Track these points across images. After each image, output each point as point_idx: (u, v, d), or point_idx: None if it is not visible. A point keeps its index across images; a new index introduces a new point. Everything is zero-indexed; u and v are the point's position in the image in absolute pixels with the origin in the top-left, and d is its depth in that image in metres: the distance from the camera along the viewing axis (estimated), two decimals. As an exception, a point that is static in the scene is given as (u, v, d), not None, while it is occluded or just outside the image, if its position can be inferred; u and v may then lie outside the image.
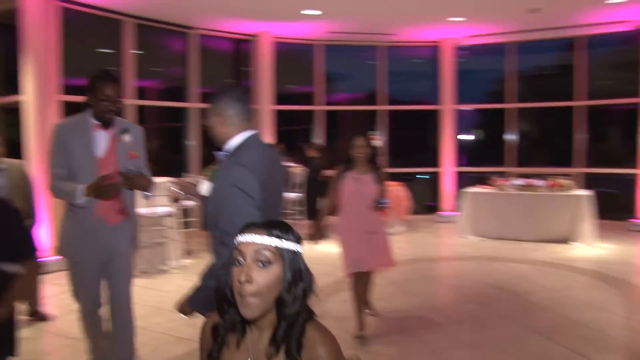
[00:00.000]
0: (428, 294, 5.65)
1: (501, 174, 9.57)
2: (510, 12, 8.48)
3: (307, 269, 1.52)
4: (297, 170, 8.77)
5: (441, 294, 5.86)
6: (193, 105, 9.03)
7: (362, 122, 11.45)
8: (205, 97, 9.09)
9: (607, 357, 3.87)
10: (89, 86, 3.07)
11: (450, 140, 10.50)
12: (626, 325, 4.52)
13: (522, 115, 10.50)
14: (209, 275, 2.21)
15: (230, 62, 10.22)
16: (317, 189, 8.42)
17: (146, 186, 3.13)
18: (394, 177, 9.01)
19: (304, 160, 8.98)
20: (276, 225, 1.51)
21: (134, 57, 8.02)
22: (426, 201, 10.91)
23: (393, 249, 4.47)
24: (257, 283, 1.43)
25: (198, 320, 4.67)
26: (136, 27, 8.05)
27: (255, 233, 1.48)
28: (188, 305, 2.32)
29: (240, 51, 10.03)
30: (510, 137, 10.40)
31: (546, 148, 11.01)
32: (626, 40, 9.83)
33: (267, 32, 9.41)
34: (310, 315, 1.51)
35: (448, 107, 10.47)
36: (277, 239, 1.47)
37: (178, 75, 9.29)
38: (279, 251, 1.47)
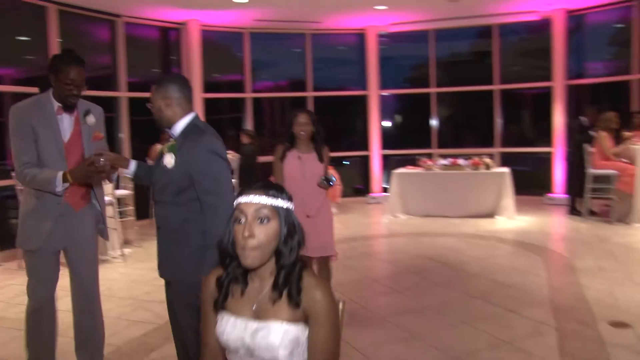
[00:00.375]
0: (368, 268, 5.94)
1: (428, 155, 10.04)
2: (431, 1, 8.90)
3: (299, 224, 1.70)
4: (230, 156, 8.83)
5: (380, 267, 6.17)
6: (122, 94, 8.84)
7: (287, 109, 11.70)
8: (134, 87, 8.97)
9: (534, 311, 4.28)
10: (51, 67, 2.92)
11: (376, 124, 10.86)
12: (548, 284, 4.99)
13: (441, 99, 11.02)
14: (211, 237, 2.27)
15: (158, 50, 10.08)
16: (250, 175, 8.57)
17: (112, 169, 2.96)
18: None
19: (237, 147, 9.06)
20: (271, 186, 1.68)
21: (58, 45, 7.76)
22: (355, 184, 11.26)
23: (334, 235, 4.32)
24: (258, 238, 1.61)
25: (149, 303, 4.71)
26: (59, 14, 7.79)
27: (254, 194, 1.64)
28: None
29: (167, 40, 9.92)
30: (434, 120, 10.89)
31: (466, 130, 11.64)
32: (534, 29, 10.56)
33: (195, 20, 9.35)
34: (304, 264, 1.69)
35: (374, 93, 10.82)
36: (273, 198, 1.65)
37: (103, 65, 9.07)
38: (276, 209, 1.65)
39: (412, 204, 8.73)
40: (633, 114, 8.37)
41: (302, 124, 4.05)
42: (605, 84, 10.15)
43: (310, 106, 10.74)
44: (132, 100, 8.94)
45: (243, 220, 1.63)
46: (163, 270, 2.64)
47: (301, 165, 4.05)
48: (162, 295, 4.95)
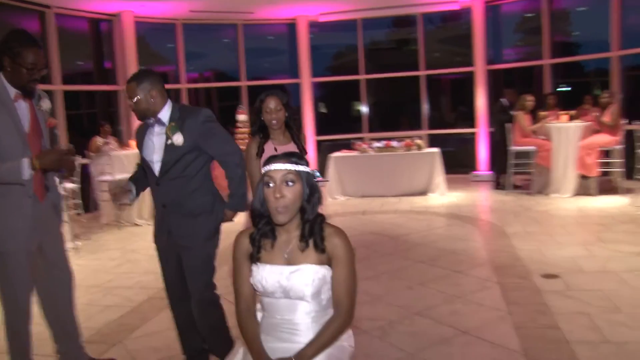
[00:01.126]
0: (319, 245, 6.29)
1: (359, 140, 10.51)
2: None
3: (317, 184, 2.02)
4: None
5: (331, 244, 6.52)
6: (57, 87, 8.67)
7: (213, 100, 11.92)
8: (65, 80, 8.83)
9: (477, 270, 4.81)
10: (5, 50, 2.70)
11: (310, 111, 11.22)
12: (485, 248, 5.57)
13: (369, 85, 11.52)
14: (239, 185, 2.95)
15: (89, 43, 9.92)
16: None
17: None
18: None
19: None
20: (293, 155, 1.99)
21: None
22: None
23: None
24: (287, 197, 1.93)
25: (116, 289, 4.83)
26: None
27: (280, 162, 1.95)
28: (237, 210, 2.98)
29: (99, 31, 9.78)
30: (364, 106, 11.39)
31: (392, 114, 12.26)
32: (449, 17, 11.28)
33: (129, 11, 9.29)
34: (323, 217, 2.02)
35: (306, 80, 11.15)
36: (296, 164, 1.96)
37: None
38: (299, 173, 1.96)
39: (350, 185, 9.16)
40: (547, 95, 9.19)
41: (273, 110, 3.45)
42: (520, 68, 11.05)
43: (244, 96, 10.97)
44: (66, 94, 8.80)
45: (272, 184, 1.94)
46: (182, 239, 2.89)
47: None
48: (127, 281, 5.17)
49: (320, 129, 11.53)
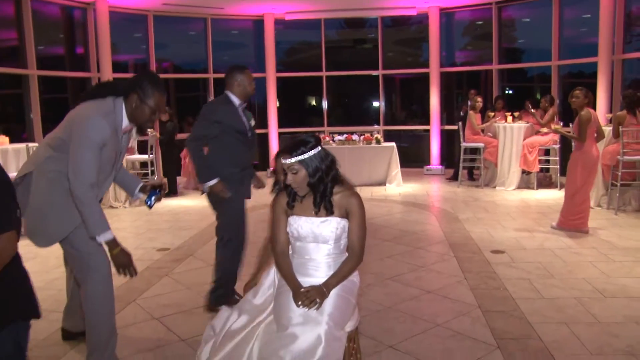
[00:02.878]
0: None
1: (321, 132, 11.17)
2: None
3: (325, 156, 2.60)
4: (151, 133, 9.31)
5: (302, 225, 7.16)
6: (31, 72, 8.87)
7: (171, 91, 12.28)
8: (41, 64, 9.06)
9: (436, 247, 5.58)
10: (135, 86, 2.90)
11: (273, 104, 11.78)
12: (441, 230, 6.33)
13: (318, 83, 12.18)
14: None
15: (63, 29, 10.15)
16: (172, 149, 9.16)
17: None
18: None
19: (158, 124, 9.52)
20: (295, 147, 2.55)
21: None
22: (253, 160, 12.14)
23: None
24: (294, 181, 2.55)
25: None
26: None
27: (284, 157, 2.55)
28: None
29: (72, 18, 10.03)
30: (324, 101, 12.05)
31: (348, 109, 12.98)
32: (405, 21, 12.09)
33: (103, 0, 9.59)
34: (334, 182, 2.62)
35: (271, 75, 11.70)
36: (297, 155, 2.55)
37: (6, 39, 9.06)
38: (301, 162, 2.56)
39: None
40: (496, 99, 10.07)
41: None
42: (470, 71, 11.97)
43: (211, 87, 11.46)
44: (41, 79, 9.02)
45: (287, 171, 2.55)
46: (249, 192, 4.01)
47: None
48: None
49: (290, 121, 12.14)
